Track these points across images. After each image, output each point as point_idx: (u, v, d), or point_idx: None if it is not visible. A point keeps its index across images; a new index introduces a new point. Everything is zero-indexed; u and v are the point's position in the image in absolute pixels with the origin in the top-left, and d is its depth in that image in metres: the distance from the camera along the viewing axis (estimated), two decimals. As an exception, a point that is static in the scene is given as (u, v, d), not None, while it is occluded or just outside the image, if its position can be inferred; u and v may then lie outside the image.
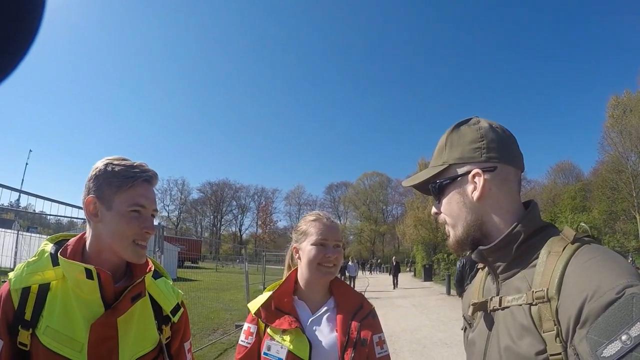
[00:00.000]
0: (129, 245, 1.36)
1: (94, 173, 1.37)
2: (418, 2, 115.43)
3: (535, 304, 0.90)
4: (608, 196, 38.10)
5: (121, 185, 1.34)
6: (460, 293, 9.26)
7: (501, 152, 1.06)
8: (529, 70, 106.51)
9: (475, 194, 1.04)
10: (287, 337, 1.64)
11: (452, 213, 1.10)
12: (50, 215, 4.65)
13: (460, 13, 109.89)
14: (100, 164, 1.38)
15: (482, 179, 1.03)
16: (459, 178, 1.08)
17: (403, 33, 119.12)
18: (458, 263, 9.96)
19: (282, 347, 1.63)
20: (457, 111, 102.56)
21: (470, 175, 1.05)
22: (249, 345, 1.72)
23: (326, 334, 1.68)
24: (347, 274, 21.75)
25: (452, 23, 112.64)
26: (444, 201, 1.12)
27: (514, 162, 1.08)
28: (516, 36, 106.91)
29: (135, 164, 1.40)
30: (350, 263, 23.03)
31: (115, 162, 1.38)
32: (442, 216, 1.15)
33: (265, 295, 1.80)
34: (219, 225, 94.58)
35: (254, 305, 1.78)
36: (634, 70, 72.66)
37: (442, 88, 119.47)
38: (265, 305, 1.75)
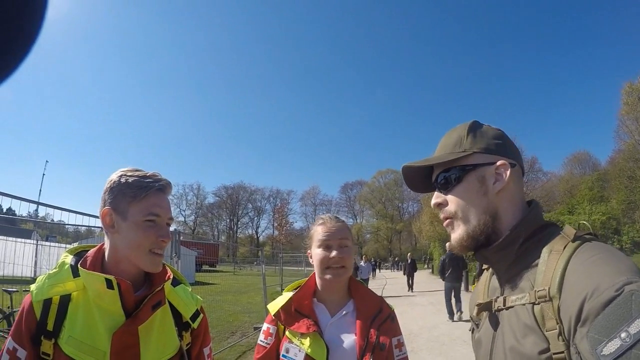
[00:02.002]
0: (145, 255, 1.38)
1: (108, 185, 1.40)
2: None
3: (538, 303, 0.90)
4: (626, 185, 37.25)
5: (135, 195, 1.37)
6: (442, 278, 12.58)
7: (516, 153, 1.11)
8: (544, 63, 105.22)
9: (498, 185, 1.05)
10: (305, 341, 1.65)
11: (469, 203, 1.07)
12: (68, 224, 4.71)
13: (473, 7, 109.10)
14: (114, 176, 1.41)
15: (508, 170, 1.05)
16: (482, 167, 1.07)
17: (417, 30, 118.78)
18: (441, 257, 13.02)
19: (300, 351, 1.64)
20: (472, 106, 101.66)
21: (495, 166, 1.06)
22: (267, 346, 1.74)
23: (344, 337, 1.69)
24: (359, 276, 18.04)
25: (466, 18, 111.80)
26: (459, 190, 1.09)
27: (522, 165, 1.12)
28: (530, 28, 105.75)
29: (148, 174, 1.42)
30: (362, 263, 19.86)
31: (129, 174, 1.40)
32: (450, 207, 1.10)
33: (286, 296, 1.82)
34: (235, 228, 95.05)
35: (274, 306, 1.80)
36: (648, 59, 71.52)
37: (456, 84, 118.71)
38: (285, 307, 1.77)
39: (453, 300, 11.95)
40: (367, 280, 19.81)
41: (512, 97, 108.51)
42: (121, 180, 1.39)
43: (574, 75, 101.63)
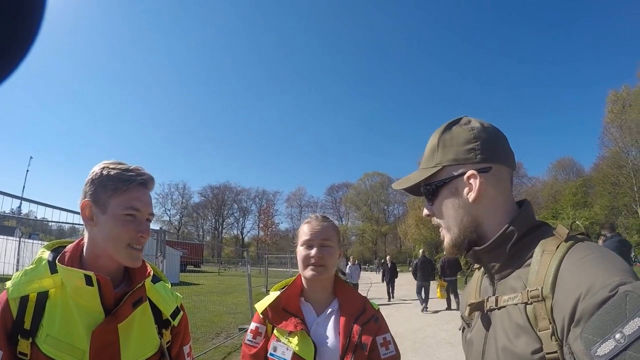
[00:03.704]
0: (123, 249, 1.35)
1: (90, 177, 1.37)
2: (421, 3, 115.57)
3: (531, 303, 0.89)
4: (609, 191, 37.89)
5: (116, 188, 1.34)
6: (415, 278, 15.74)
7: (494, 152, 1.06)
8: (529, 69, 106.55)
9: (472, 196, 1.04)
10: (293, 339, 1.65)
11: (447, 215, 1.09)
12: (51, 222, 4.64)
13: (460, 14, 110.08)
14: (96, 168, 1.38)
15: (477, 180, 1.03)
16: (454, 180, 1.07)
17: (404, 33, 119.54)
18: (414, 261, 16.86)
19: (287, 349, 1.64)
20: (457, 110, 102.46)
21: (465, 177, 1.05)
22: (256, 345, 1.74)
23: (330, 336, 1.70)
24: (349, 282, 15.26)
25: (453, 24, 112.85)
26: (438, 203, 1.11)
27: (507, 161, 1.08)
28: (515, 36, 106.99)
29: (130, 168, 1.40)
30: (349, 265, 17.77)
31: (111, 166, 1.37)
32: (435, 219, 1.14)
33: (273, 295, 1.82)
34: (220, 228, 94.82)
35: (262, 305, 1.80)
36: (633, 67, 72.68)
37: (442, 87, 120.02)
38: (273, 306, 1.77)
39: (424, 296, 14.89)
40: (357, 285, 16.70)
41: (498, 102, 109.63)
42: (103, 172, 1.36)
43: (561, 82, 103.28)
